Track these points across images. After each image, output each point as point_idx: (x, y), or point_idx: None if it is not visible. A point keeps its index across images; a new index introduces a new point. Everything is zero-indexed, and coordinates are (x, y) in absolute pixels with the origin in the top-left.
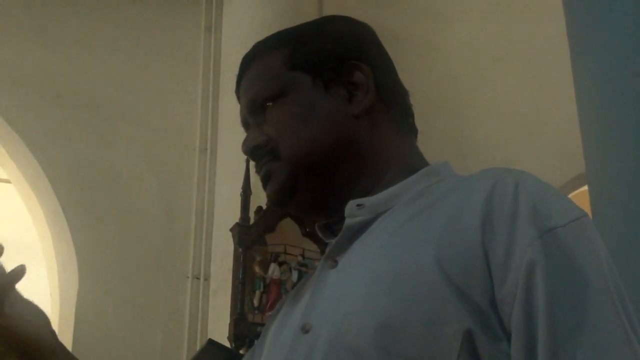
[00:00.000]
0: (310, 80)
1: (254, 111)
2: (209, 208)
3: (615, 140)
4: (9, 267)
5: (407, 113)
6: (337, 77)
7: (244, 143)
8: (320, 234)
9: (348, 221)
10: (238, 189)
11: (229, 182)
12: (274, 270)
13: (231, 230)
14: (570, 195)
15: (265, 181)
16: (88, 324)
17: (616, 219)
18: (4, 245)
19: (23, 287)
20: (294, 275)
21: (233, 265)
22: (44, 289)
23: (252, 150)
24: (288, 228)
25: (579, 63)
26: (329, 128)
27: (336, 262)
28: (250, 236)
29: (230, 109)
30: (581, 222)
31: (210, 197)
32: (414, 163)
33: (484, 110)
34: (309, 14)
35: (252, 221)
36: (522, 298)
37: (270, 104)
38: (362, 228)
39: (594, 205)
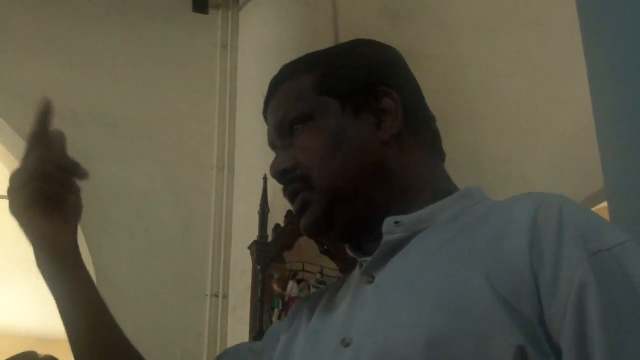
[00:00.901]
0: (339, 105)
1: (282, 133)
2: (226, 226)
3: (635, 155)
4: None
5: (434, 137)
6: (365, 103)
7: (272, 166)
8: (349, 251)
9: (386, 237)
10: (256, 207)
11: (246, 199)
12: (292, 288)
13: (249, 248)
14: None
15: (301, 212)
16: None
17: (636, 234)
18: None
19: (42, 306)
20: (313, 292)
21: (251, 283)
22: None
23: (280, 174)
24: (306, 245)
25: (596, 77)
26: (359, 154)
27: (373, 278)
28: (268, 254)
29: (247, 127)
30: (626, 246)
31: (228, 214)
32: (444, 186)
33: (500, 125)
34: (324, 32)
35: (270, 239)
36: (573, 316)
37: (298, 126)
38: (398, 245)
39: (613, 220)
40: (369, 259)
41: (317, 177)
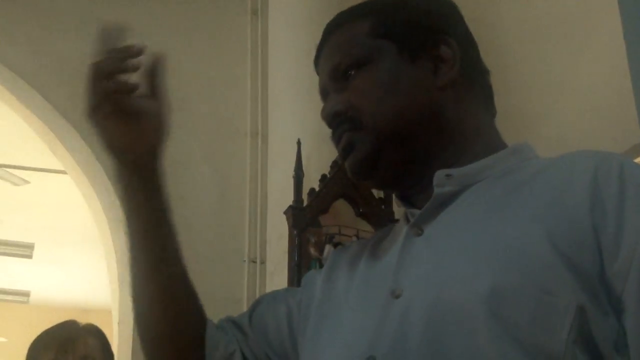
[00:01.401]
0: (396, 49)
1: (335, 78)
2: (262, 192)
3: None
4: (68, 253)
5: (488, 92)
6: (423, 49)
7: (324, 109)
8: (397, 201)
9: (437, 190)
10: (290, 172)
11: (281, 165)
12: (329, 252)
13: (285, 213)
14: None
15: (347, 151)
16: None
17: None
18: (64, 235)
19: (82, 276)
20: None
21: (288, 248)
22: (104, 277)
23: (332, 116)
24: (342, 209)
25: (631, 32)
26: (414, 98)
27: (422, 230)
28: (304, 218)
29: (280, 93)
30: None
31: (263, 181)
32: (495, 141)
33: (534, 84)
34: None
35: (305, 203)
36: (637, 275)
37: (353, 72)
38: (448, 199)
39: None
40: (416, 211)
41: (369, 118)
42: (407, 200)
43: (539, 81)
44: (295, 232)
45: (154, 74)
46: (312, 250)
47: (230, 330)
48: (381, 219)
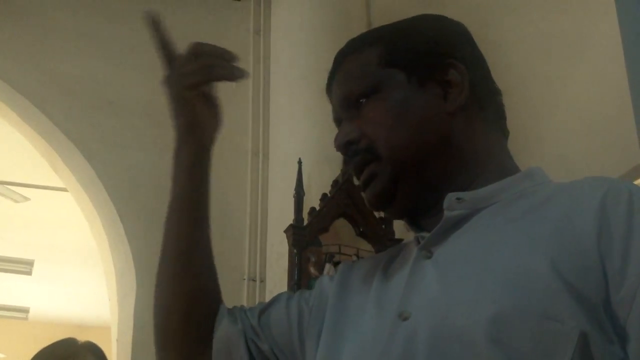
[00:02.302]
0: (405, 77)
1: (347, 107)
2: (262, 210)
3: None
4: (68, 270)
5: (500, 114)
6: (432, 75)
7: (337, 138)
8: (408, 228)
9: (447, 214)
10: (291, 191)
11: (282, 184)
12: (329, 271)
13: (285, 231)
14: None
15: (368, 182)
16: (147, 328)
17: None
18: (64, 252)
19: (81, 293)
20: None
21: (288, 267)
22: (103, 295)
23: (345, 145)
24: (342, 228)
25: (631, 53)
26: (425, 125)
27: (431, 253)
28: (304, 237)
29: (281, 111)
30: None
31: (263, 199)
32: (507, 164)
33: (533, 103)
34: (356, 15)
35: (305, 222)
36: None
37: (364, 100)
38: (458, 222)
39: None
40: (426, 234)
41: (383, 148)
42: (416, 224)
43: (540, 100)
44: (295, 250)
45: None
46: (312, 269)
47: (239, 315)
48: (381, 238)
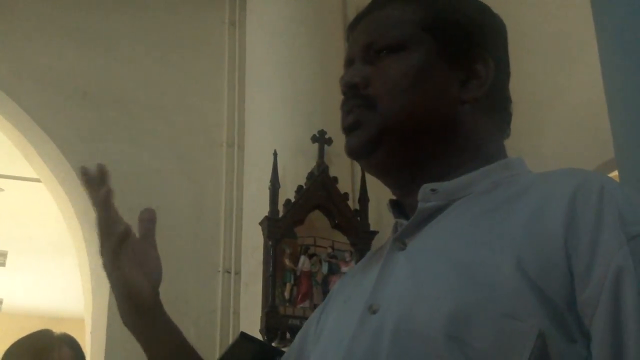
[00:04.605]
0: (435, 47)
1: (367, 51)
2: (238, 202)
3: None
4: (42, 261)
5: (507, 119)
6: (461, 58)
7: (344, 76)
8: (390, 210)
9: (421, 205)
10: (266, 183)
11: (257, 176)
12: (304, 263)
13: (260, 223)
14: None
15: (352, 129)
16: (121, 320)
17: None
18: (38, 243)
19: (55, 285)
20: (324, 267)
21: (263, 259)
22: (77, 286)
23: (349, 86)
24: (317, 220)
25: (605, 49)
26: (435, 100)
27: (405, 245)
28: (279, 229)
29: (257, 104)
30: None
31: (239, 191)
32: (494, 157)
33: (518, 98)
34: (332, 8)
35: (281, 214)
36: (608, 302)
37: (385, 52)
38: (433, 213)
39: None
40: (404, 222)
41: (385, 104)
42: (398, 209)
43: (521, 96)
44: (270, 243)
45: (144, 220)
46: (287, 262)
47: None
48: (356, 230)
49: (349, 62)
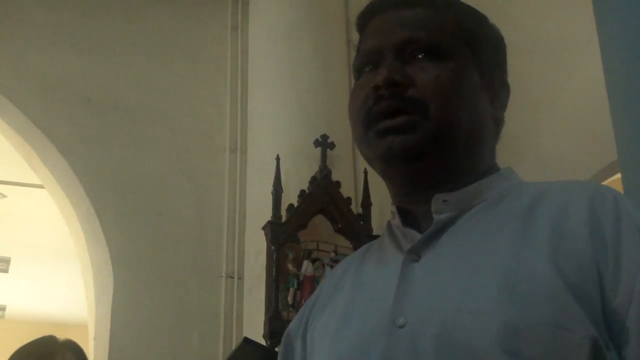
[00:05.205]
0: (473, 62)
1: (401, 48)
2: (240, 207)
3: None
4: (45, 268)
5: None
6: (489, 75)
7: (384, 71)
8: (397, 218)
9: (437, 218)
10: (269, 188)
11: (259, 180)
12: (307, 267)
13: (263, 228)
14: (603, 184)
15: (401, 130)
16: (124, 326)
17: None
18: (41, 250)
19: (58, 290)
20: (327, 272)
21: (266, 264)
22: (80, 293)
23: (391, 83)
24: (320, 225)
25: (608, 52)
26: (477, 117)
27: (418, 256)
28: (282, 234)
29: (259, 108)
30: None
31: (241, 196)
32: (492, 166)
33: (516, 101)
34: (334, 13)
35: (284, 219)
36: (638, 309)
37: (423, 55)
38: (445, 224)
39: (627, 192)
40: (412, 232)
41: (440, 113)
42: (404, 215)
43: (525, 99)
44: (273, 247)
45: None
46: (290, 266)
47: None
48: (359, 234)
49: (376, 53)
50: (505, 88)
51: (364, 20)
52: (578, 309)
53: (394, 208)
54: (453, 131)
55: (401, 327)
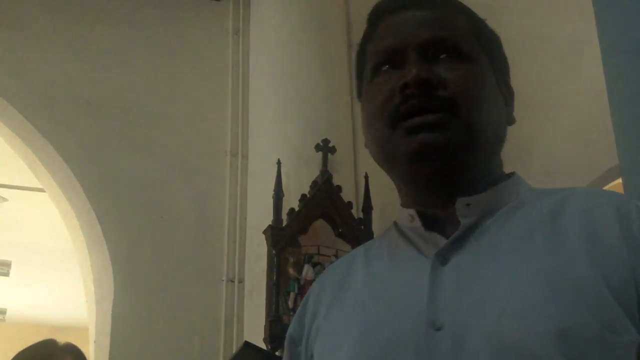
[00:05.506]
0: (490, 67)
1: (426, 48)
2: (241, 211)
3: None
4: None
5: None
6: (503, 80)
7: (412, 70)
8: (417, 222)
9: (464, 221)
10: (270, 192)
11: (261, 185)
12: (307, 271)
13: (264, 232)
14: (604, 189)
15: (433, 128)
16: (124, 330)
17: None
18: (42, 253)
19: (59, 294)
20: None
21: (267, 268)
22: (80, 296)
23: (423, 82)
24: (321, 229)
25: (609, 53)
26: (499, 121)
27: (446, 260)
28: (283, 238)
29: (260, 112)
30: None
31: (242, 200)
32: (500, 167)
33: (522, 104)
34: (335, 17)
35: (284, 223)
36: None
37: (445, 56)
38: (469, 229)
39: (628, 196)
40: (434, 235)
41: (471, 114)
42: (424, 219)
43: (531, 102)
44: (274, 251)
45: None
46: (291, 270)
47: None
48: (360, 238)
49: (397, 52)
50: (510, 92)
51: (378, 17)
52: (621, 313)
53: (411, 211)
54: (480, 133)
55: (438, 329)
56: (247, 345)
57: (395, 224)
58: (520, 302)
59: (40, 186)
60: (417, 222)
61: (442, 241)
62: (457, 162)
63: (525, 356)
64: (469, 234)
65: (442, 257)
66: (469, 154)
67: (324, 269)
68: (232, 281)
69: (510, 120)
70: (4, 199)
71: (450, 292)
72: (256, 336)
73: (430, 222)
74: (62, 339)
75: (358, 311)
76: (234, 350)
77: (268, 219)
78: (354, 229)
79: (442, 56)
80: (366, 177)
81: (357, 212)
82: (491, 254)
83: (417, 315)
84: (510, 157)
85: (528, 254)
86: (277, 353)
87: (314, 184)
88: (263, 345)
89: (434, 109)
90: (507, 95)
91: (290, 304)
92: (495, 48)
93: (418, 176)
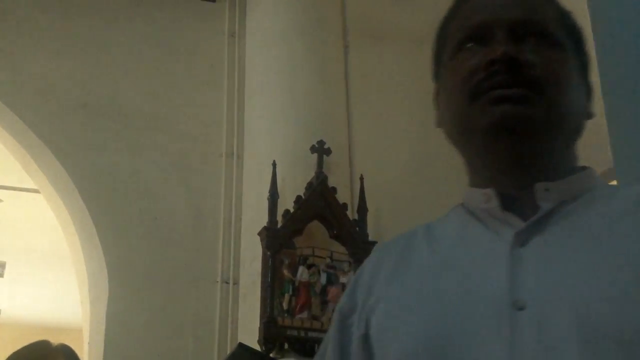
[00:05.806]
0: (574, 56)
1: (516, 28)
2: (236, 213)
3: None
4: (40, 272)
5: None
6: (586, 73)
7: (501, 47)
8: (495, 200)
9: (544, 206)
10: (265, 193)
11: (256, 186)
12: (302, 273)
13: (259, 234)
14: None
15: (518, 100)
16: (119, 331)
17: None
18: (36, 254)
19: (53, 295)
20: (323, 278)
21: (262, 269)
22: (74, 297)
23: (507, 58)
24: (316, 231)
25: (604, 52)
26: (580, 110)
27: (525, 242)
28: (278, 239)
29: (256, 114)
30: None
31: (237, 201)
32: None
33: None
34: (331, 19)
35: (279, 224)
36: None
37: (535, 38)
38: (547, 214)
39: None
40: (514, 217)
41: (552, 94)
42: (500, 200)
43: None
44: (269, 253)
45: None
46: (286, 272)
47: None
48: (355, 240)
49: (484, 28)
50: (590, 87)
51: None
52: None
53: (489, 191)
54: (562, 117)
55: (521, 308)
56: (242, 346)
57: (462, 205)
58: (609, 287)
59: (35, 187)
60: (494, 202)
61: (518, 222)
62: (537, 141)
63: (616, 341)
64: (547, 217)
65: (521, 239)
66: (549, 135)
67: (319, 270)
68: (227, 282)
69: (590, 115)
70: None
71: (532, 272)
72: (250, 338)
73: (505, 203)
74: (56, 339)
75: (428, 287)
76: (228, 351)
77: (263, 221)
78: (349, 231)
79: (530, 39)
80: (361, 179)
81: (352, 214)
82: (573, 239)
83: (497, 293)
84: None
85: (614, 241)
86: (271, 355)
87: (309, 186)
88: (257, 347)
89: (519, 86)
90: (588, 90)
91: (285, 305)
92: (581, 41)
93: (497, 148)
